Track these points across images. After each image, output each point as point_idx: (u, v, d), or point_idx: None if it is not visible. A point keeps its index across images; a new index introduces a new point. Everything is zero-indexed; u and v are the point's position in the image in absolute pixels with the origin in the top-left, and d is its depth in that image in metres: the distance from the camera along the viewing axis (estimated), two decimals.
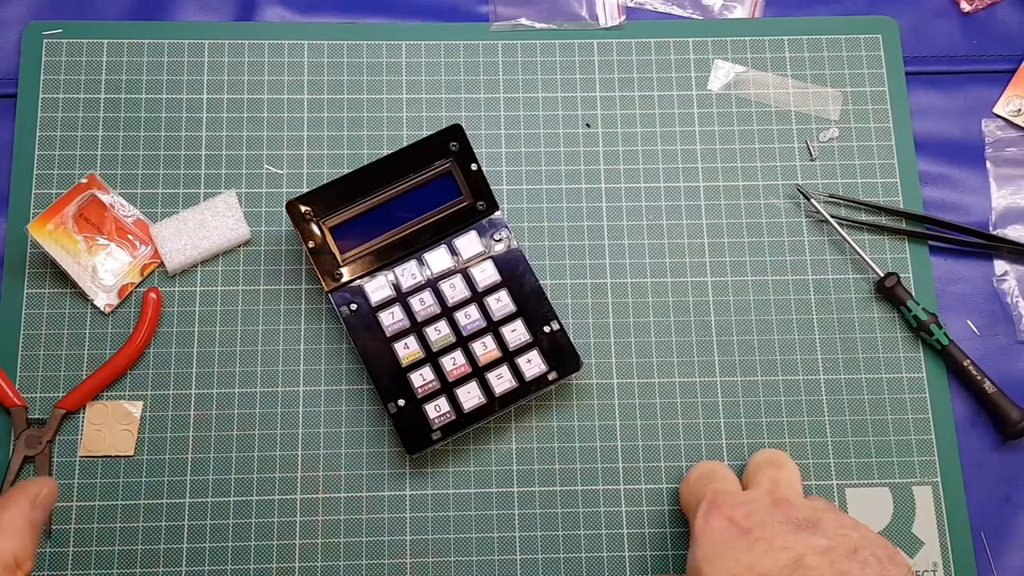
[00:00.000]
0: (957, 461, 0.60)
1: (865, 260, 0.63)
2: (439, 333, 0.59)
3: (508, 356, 0.59)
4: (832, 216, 0.64)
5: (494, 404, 0.58)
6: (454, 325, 0.59)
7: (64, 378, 0.60)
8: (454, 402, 0.58)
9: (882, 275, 0.63)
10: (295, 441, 0.60)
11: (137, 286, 0.62)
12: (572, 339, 0.60)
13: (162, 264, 0.62)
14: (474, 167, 0.60)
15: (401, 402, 0.58)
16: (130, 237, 0.62)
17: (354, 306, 0.59)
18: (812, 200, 0.64)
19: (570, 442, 0.60)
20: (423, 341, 0.59)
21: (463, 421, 0.58)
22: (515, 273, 0.60)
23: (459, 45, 0.67)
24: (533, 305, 0.60)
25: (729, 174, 0.65)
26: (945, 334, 0.61)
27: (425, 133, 0.64)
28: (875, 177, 0.66)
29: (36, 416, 0.59)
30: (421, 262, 0.60)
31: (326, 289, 0.59)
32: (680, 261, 0.64)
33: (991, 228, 0.65)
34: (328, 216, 0.59)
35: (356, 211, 0.59)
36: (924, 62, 0.69)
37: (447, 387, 0.58)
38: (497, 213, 0.61)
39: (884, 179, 0.66)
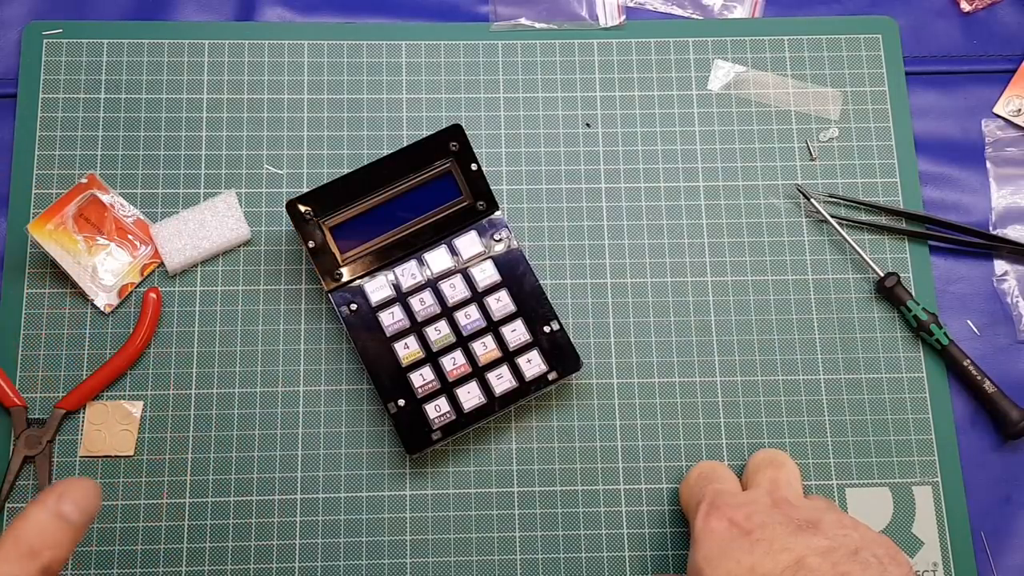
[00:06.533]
0: (957, 461, 0.60)
1: (865, 260, 0.63)
2: (439, 333, 0.59)
3: (508, 356, 0.59)
4: (832, 216, 0.64)
5: (494, 404, 0.58)
6: (454, 325, 0.59)
7: (64, 378, 0.60)
8: (454, 402, 0.58)
9: (882, 275, 0.63)
10: (295, 441, 0.60)
11: (137, 286, 0.62)
12: (572, 339, 0.60)
13: (162, 264, 0.62)
14: (474, 167, 0.60)
15: (401, 402, 0.58)
16: (130, 237, 0.62)
17: (354, 306, 0.59)
18: (812, 200, 0.64)
19: (570, 442, 0.60)
20: (423, 341, 0.59)
21: (463, 421, 0.58)
22: (515, 273, 0.60)
23: (459, 45, 0.67)
24: (533, 305, 0.60)
25: (729, 174, 0.65)
26: (945, 334, 0.61)
27: (425, 133, 0.64)
28: (875, 177, 0.66)
29: (36, 416, 0.59)
30: (421, 262, 0.60)
31: (326, 289, 0.59)
32: (680, 261, 0.64)
33: (991, 228, 0.65)
34: (328, 216, 0.59)
35: (356, 211, 0.59)
36: (924, 62, 0.69)
37: (447, 387, 0.58)
38: (497, 213, 0.61)
39: (884, 179, 0.66)
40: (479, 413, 0.58)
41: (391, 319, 0.59)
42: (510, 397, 0.58)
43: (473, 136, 0.63)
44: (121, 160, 0.64)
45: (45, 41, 0.66)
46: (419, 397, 0.58)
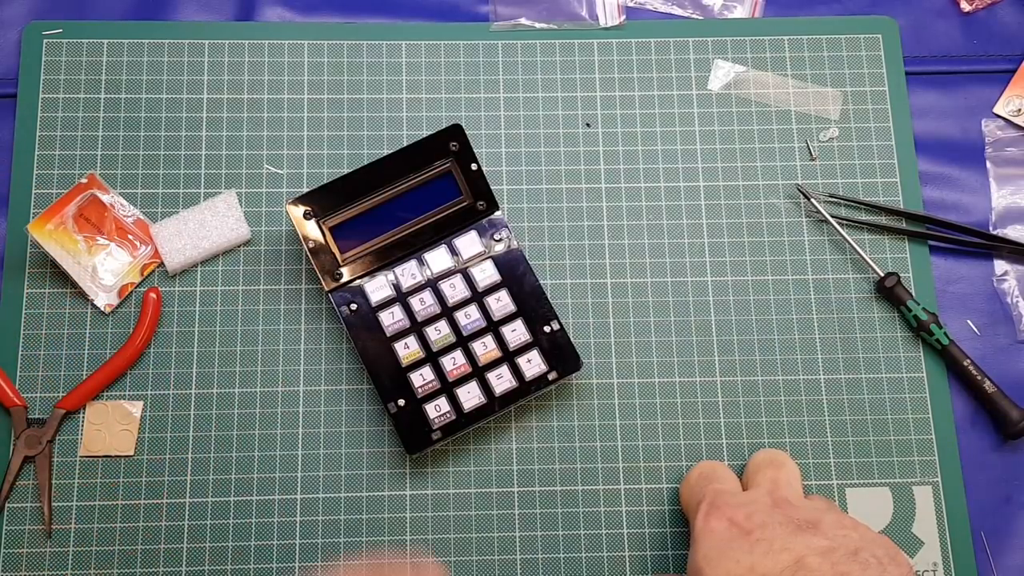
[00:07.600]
0: (957, 461, 0.60)
1: (865, 260, 0.63)
2: (439, 333, 0.59)
3: (508, 356, 0.59)
4: (832, 216, 0.64)
5: (494, 404, 0.58)
6: (454, 325, 0.59)
7: (64, 378, 0.60)
8: (454, 402, 0.58)
9: (882, 275, 0.63)
10: (295, 441, 0.60)
11: (137, 286, 0.62)
12: (572, 339, 0.60)
13: (162, 264, 0.62)
14: (474, 167, 0.60)
15: (401, 402, 0.58)
16: (130, 237, 0.62)
17: (354, 306, 0.59)
18: (812, 200, 0.64)
19: (570, 442, 0.60)
20: (423, 341, 0.59)
21: (463, 421, 0.58)
22: (515, 273, 0.60)
23: (459, 45, 0.67)
24: (533, 305, 0.60)
25: (729, 174, 0.65)
26: (945, 334, 0.61)
27: (425, 133, 0.64)
28: (875, 177, 0.66)
29: (36, 416, 0.59)
30: (421, 262, 0.60)
31: (326, 289, 0.59)
32: (680, 261, 0.64)
33: (991, 228, 0.65)
34: (328, 216, 0.59)
35: (356, 211, 0.59)
36: (924, 62, 0.69)
37: (447, 387, 0.58)
38: (497, 213, 0.61)
39: (884, 179, 0.66)
40: (479, 413, 0.58)
41: (391, 319, 0.59)
42: (510, 397, 0.58)
43: (473, 136, 0.63)
44: (121, 160, 0.64)
45: (45, 41, 0.66)
46: (419, 397, 0.58)
